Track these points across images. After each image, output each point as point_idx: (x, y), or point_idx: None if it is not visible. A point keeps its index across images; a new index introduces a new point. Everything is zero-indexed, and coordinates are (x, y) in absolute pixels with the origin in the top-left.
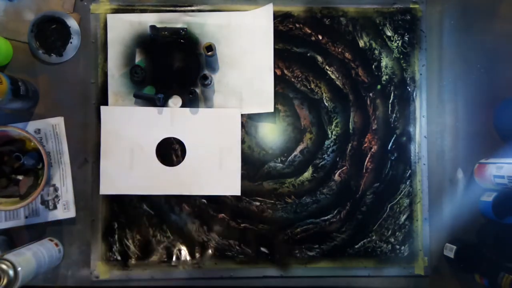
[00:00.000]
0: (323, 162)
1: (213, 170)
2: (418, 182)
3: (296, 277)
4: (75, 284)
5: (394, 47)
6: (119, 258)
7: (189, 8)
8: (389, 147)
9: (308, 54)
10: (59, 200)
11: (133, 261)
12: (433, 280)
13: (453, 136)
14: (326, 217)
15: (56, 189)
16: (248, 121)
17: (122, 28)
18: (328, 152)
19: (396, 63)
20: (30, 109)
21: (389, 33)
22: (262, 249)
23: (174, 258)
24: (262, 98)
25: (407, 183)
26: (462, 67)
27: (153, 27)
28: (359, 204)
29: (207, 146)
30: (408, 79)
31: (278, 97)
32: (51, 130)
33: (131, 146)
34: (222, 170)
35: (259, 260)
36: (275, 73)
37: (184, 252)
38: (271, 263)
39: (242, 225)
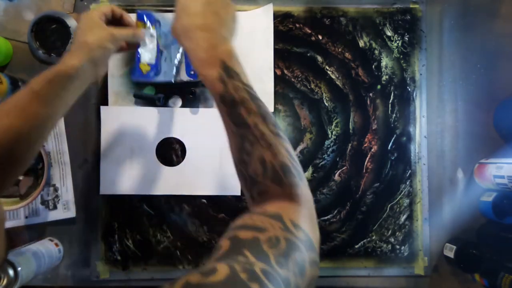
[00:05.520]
0: (323, 162)
1: (213, 170)
2: (418, 182)
3: None
4: (75, 284)
5: (394, 47)
6: (119, 258)
7: None
8: (389, 147)
9: (308, 54)
10: (59, 200)
11: (133, 261)
12: (433, 280)
13: (453, 136)
14: (326, 217)
15: (56, 189)
16: None
17: None
18: (328, 152)
19: (396, 63)
20: None
21: (389, 33)
22: None
23: (174, 258)
24: (262, 98)
25: (407, 183)
26: (462, 67)
27: None
28: (359, 204)
29: (207, 146)
30: (408, 79)
31: (278, 97)
32: None
33: (131, 146)
34: (222, 170)
35: None
36: (275, 73)
37: (184, 252)
38: None
39: None
